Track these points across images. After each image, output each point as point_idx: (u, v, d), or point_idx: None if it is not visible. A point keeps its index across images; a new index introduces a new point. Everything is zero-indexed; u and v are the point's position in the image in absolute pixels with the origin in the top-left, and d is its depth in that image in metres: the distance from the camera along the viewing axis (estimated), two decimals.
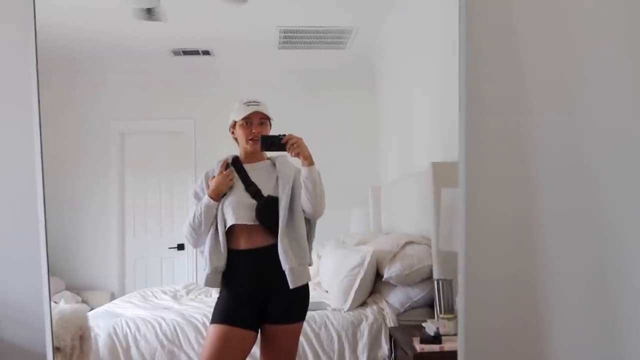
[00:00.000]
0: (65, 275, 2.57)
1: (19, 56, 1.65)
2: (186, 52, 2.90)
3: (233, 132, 1.87)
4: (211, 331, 1.73)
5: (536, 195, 1.60)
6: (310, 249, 1.84)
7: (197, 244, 1.83)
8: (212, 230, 1.79)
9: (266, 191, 1.79)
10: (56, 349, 1.68)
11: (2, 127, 1.70)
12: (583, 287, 1.56)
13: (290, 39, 2.84)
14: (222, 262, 1.76)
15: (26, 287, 1.61)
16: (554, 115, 1.61)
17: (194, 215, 1.79)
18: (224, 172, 1.80)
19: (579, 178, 1.60)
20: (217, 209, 1.78)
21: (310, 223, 1.84)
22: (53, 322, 1.57)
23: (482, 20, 1.60)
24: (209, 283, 1.78)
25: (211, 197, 1.78)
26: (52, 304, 1.57)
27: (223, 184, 1.78)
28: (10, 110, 1.69)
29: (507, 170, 1.61)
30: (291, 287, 1.72)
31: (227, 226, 1.77)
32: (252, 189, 1.79)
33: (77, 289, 2.67)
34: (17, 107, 1.67)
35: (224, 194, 1.80)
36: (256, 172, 1.84)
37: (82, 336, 1.81)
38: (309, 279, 1.79)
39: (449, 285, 2.10)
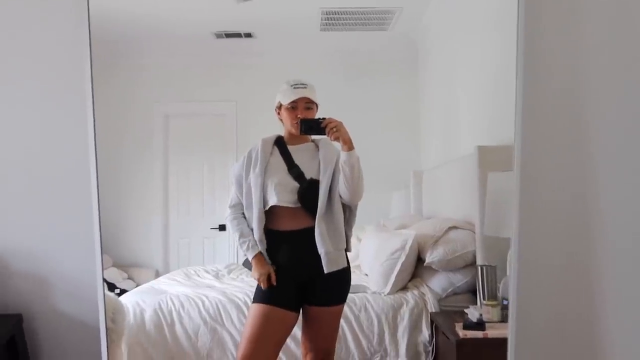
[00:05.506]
0: (112, 253, 2.66)
1: (72, 40, 1.69)
2: (228, 35, 2.90)
3: (279, 113, 1.87)
4: (253, 310, 1.75)
5: (595, 178, 1.53)
6: (350, 235, 1.83)
7: None
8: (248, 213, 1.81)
9: (309, 174, 1.78)
10: None
11: (57, 111, 1.75)
12: None
13: (332, 20, 2.81)
14: (261, 244, 1.77)
15: (80, 262, 1.67)
16: (615, 97, 1.54)
17: (234, 230, 1.84)
18: (271, 273, 1.76)
19: None
20: (258, 190, 1.78)
21: (350, 208, 1.82)
22: None
23: None
24: (248, 265, 1.80)
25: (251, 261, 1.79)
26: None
27: (261, 276, 1.76)
28: (65, 95, 1.74)
29: (564, 154, 1.55)
30: (325, 271, 1.72)
31: (268, 206, 1.78)
32: (294, 171, 1.79)
33: (124, 266, 2.77)
34: (71, 91, 1.72)
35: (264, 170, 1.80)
36: (299, 153, 1.83)
37: (113, 319, 1.88)
38: (345, 264, 1.78)
39: (492, 271, 2.06)
